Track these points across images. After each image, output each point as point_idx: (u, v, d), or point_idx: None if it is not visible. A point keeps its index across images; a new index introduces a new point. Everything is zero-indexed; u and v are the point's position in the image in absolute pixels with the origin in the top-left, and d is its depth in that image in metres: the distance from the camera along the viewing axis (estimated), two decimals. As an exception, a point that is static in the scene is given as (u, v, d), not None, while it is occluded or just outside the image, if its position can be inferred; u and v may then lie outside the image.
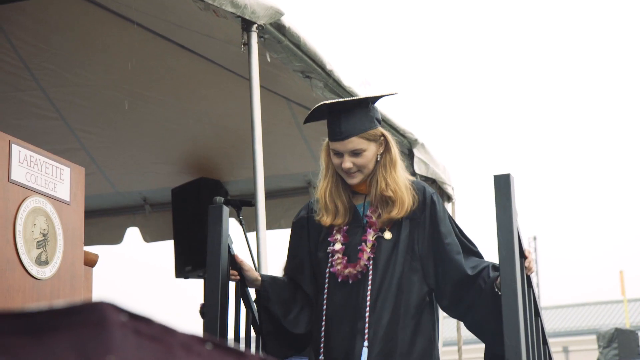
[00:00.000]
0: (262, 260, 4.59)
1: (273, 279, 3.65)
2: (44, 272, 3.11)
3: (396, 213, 3.43)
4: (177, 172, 7.66)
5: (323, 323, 3.44)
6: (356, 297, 3.41)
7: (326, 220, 3.50)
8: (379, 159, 3.49)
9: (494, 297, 3.30)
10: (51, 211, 3.16)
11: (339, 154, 3.47)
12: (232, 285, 3.58)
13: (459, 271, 3.39)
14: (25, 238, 3.03)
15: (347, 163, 3.45)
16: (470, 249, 3.46)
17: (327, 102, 3.50)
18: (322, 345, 3.44)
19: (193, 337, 1.07)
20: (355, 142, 3.44)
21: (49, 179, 3.16)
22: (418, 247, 3.44)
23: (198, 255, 7.35)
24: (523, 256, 3.24)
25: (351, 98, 3.50)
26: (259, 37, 4.66)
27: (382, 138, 3.51)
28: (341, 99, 3.52)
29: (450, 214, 4.24)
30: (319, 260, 3.53)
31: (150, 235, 8.44)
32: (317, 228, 3.57)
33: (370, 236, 3.45)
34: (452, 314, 3.51)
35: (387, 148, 3.51)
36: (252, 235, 4.59)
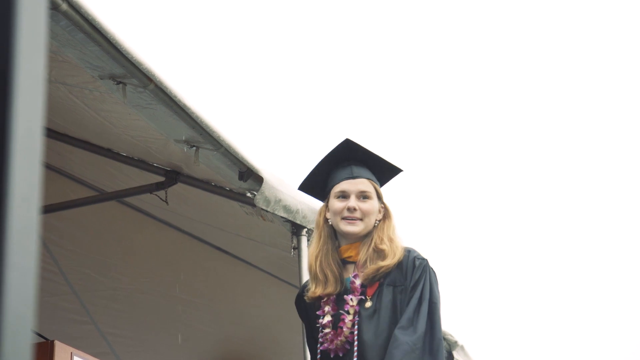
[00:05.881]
0: None
1: None
2: None
3: (386, 262, 3.31)
4: (207, 375, 7.48)
5: None
6: None
7: (315, 291, 3.38)
8: (376, 224, 3.39)
9: None
10: None
11: (345, 196, 3.37)
12: None
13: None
14: None
15: (353, 202, 3.34)
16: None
17: (352, 140, 3.45)
18: None
19: None
20: (366, 184, 3.38)
21: (107, 393, 3.06)
22: (399, 315, 3.32)
23: None
24: None
25: (373, 152, 3.46)
26: (307, 240, 4.66)
27: (382, 206, 3.44)
28: (364, 148, 3.45)
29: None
30: (315, 336, 3.43)
31: None
32: (310, 304, 3.45)
33: (351, 301, 3.32)
34: None
35: (385, 217, 3.43)
36: None
